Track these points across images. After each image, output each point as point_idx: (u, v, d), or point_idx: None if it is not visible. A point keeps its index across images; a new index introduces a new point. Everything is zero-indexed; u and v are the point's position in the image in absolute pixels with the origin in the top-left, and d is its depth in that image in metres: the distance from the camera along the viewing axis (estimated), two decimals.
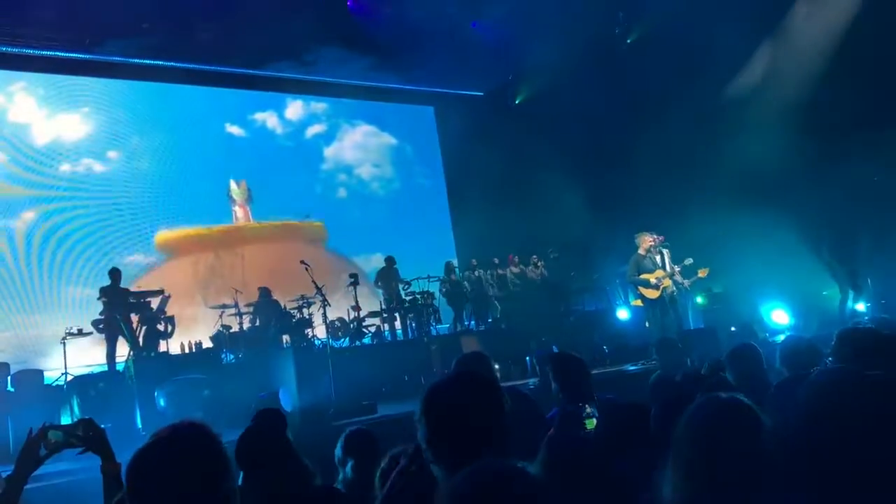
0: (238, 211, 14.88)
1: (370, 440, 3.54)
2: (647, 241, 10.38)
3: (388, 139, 17.07)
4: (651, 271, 10.26)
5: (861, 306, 10.21)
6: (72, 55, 13.14)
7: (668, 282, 10.23)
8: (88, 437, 2.31)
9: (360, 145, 16.65)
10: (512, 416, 2.95)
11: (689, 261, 10.36)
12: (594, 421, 3.24)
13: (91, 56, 13.15)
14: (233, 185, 14.79)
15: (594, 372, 4.70)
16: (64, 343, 9.93)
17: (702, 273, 10.44)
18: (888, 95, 10.49)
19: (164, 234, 13.94)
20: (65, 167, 13.22)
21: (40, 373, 9.89)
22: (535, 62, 15.03)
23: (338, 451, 3.52)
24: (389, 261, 13.53)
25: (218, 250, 14.33)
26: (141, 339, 9.83)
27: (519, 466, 1.34)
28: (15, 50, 12.65)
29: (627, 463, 2.36)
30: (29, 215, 12.63)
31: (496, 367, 6.18)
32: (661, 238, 10.56)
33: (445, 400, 1.86)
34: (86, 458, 2.39)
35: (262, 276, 13.12)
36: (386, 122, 17.10)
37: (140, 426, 7.84)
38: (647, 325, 11.02)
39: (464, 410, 1.83)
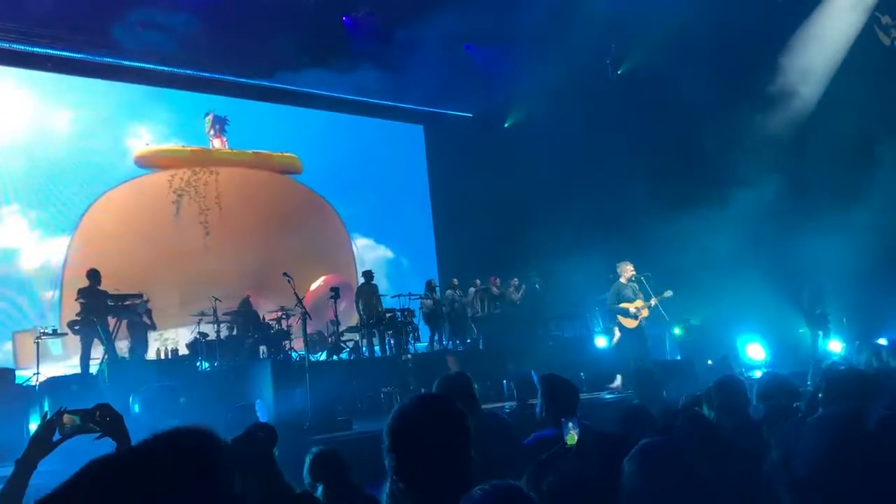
0: (215, 142, 15.25)
1: (335, 458, 3.41)
2: (628, 270, 10.47)
3: (386, 252, 17.04)
4: (631, 300, 10.35)
5: (838, 346, 10.38)
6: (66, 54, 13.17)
7: (646, 312, 10.32)
8: (106, 421, 2.27)
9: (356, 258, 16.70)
10: (489, 443, 2.96)
11: (668, 293, 10.44)
12: (574, 436, 3.21)
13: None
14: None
15: None
16: (37, 343, 9.84)
17: (666, 294, 10.46)
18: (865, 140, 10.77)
19: (142, 150, 14.14)
20: None
21: (12, 371, 9.75)
22: (525, 87, 15.17)
23: (305, 476, 3.42)
24: (367, 275, 13.33)
25: (193, 166, 14.77)
26: (127, 343, 9.78)
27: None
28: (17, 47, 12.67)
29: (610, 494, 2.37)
30: None
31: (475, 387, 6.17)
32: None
33: (412, 432, 1.85)
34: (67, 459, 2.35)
35: (235, 194, 14.73)
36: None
37: None
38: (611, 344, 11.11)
39: (431, 441, 1.81)
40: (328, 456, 3.41)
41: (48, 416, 2.26)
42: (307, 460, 3.42)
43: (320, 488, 3.32)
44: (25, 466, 2.18)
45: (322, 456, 3.40)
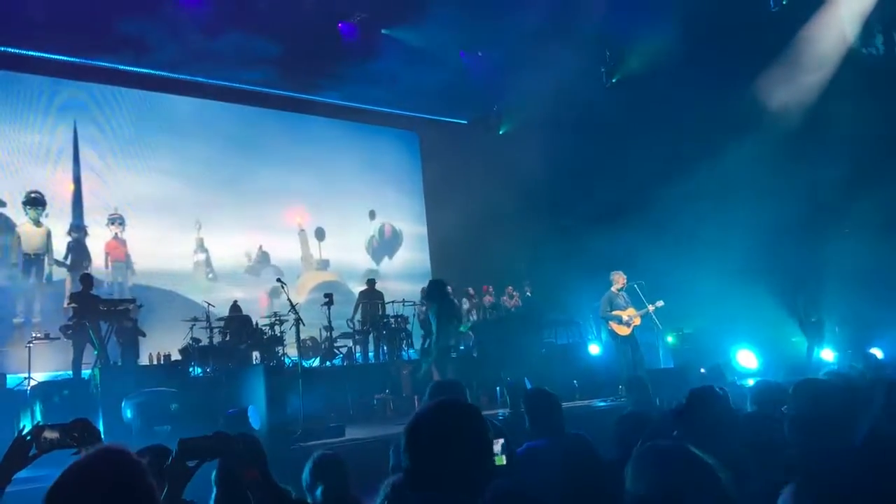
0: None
1: (339, 464, 3.49)
2: (621, 280, 10.58)
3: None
4: (623, 309, 10.44)
5: (830, 355, 10.40)
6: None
7: (638, 320, 10.42)
8: (84, 437, 2.27)
9: None
10: None
11: (660, 303, 10.50)
12: (503, 458, 3.23)
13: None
14: None
15: (563, 405, 4.70)
16: (29, 348, 9.80)
17: (658, 304, 10.54)
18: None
19: None
20: None
21: (2, 376, 9.73)
22: (520, 94, 15.19)
23: (306, 476, 3.45)
24: (370, 282, 13.57)
25: None
26: (121, 348, 9.77)
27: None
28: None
29: None
30: None
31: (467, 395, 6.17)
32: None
33: (433, 428, 1.88)
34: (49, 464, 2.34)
35: None
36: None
37: (103, 437, 7.68)
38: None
39: (451, 438, 1.84)
40: (329, 459, 3.49)
41: (24, 431, 2.25)
42: (310, 462, 3.49)
43: (320, 489, 3.38)
44: (0, 480, 2.17)
45: (324, 459, 3.49)
